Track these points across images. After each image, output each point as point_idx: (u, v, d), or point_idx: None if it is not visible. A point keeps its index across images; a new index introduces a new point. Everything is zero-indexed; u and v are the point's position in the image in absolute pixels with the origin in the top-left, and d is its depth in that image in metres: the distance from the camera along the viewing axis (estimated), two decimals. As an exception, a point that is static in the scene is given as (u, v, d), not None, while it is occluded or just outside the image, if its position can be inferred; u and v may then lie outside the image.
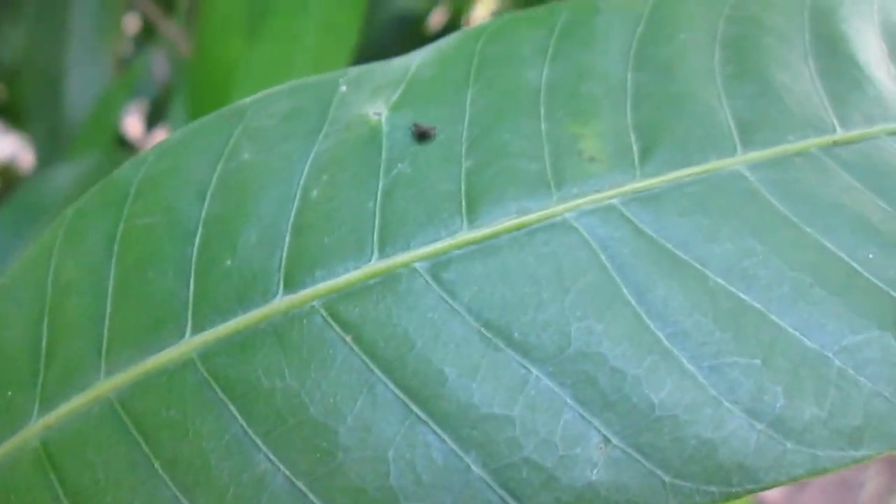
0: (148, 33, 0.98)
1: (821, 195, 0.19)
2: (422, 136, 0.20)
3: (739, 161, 0.20)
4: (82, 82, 0.88)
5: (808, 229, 0.19)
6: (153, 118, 1.01)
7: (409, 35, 1.08)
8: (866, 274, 0.18)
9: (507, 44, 0.22)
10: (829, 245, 0.19)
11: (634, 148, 0.20)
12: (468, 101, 0.21)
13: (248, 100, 0.21)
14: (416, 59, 0.22)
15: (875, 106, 0.21)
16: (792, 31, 0.23)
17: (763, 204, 0.19)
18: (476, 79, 0.21)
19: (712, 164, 0.20)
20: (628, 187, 0.19)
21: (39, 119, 0.88)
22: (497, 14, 1.08)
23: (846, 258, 0.19)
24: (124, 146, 0.97)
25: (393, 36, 1.09)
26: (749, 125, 0.21)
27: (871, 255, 0.19)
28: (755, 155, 0.20)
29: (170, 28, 0.79)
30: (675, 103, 0.21)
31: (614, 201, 0.19)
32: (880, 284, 0.18)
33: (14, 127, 0.97)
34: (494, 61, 0.22)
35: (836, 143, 0.20)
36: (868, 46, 0.23)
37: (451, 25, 1.07)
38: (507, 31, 0.22)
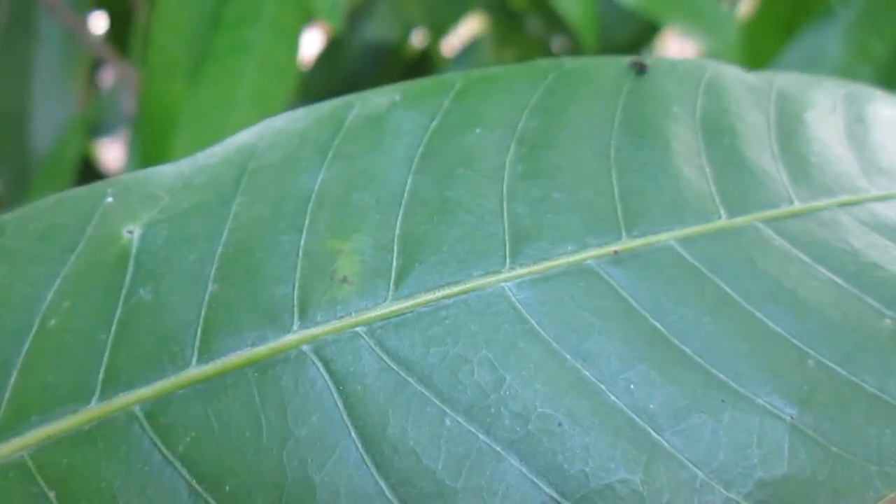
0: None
1: (586, 316, 0.18)
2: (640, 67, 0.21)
3: (505, 278, 0.18)
4: (47, 121, 0.89)
5: (568, 356, 0.18)
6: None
7: (387, 63, 1.08)
8: (624, 407, 0.17)
9: (288, 145, 0.21)
10: (588, 375, 0.17)
11: (394, 266, 0.19)
12: (231, 215, 0.20)
13: (7, 216, 0.20)
14: (191, 164, 0.21)
15: (669, 208, 0.20)
16: (599, 120, 0.22)
17: (522, 328, 0.18)
18: (246, 188, 0.20)
19: (474, 283, 0.18)
20: (376, 313, 0.18)
21: (5, 159, 0.88)
22: (474, 39, 1.07)
23: (605, 390, 0.17)
24: (95, 179, 0.97)
25: (369, 64, 1.09)
26: (525, 234, 0.19)
27: (631, 386, 0.17)
28: (523, 271, 0.19)
29: (125, 69, 0.79)
30: (448, 211, 0.19)
31: (359, 329, 0.18)
32: (637, 420, 0.17)
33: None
34: (270, 166, 0.21)
35: (617, 253, 0.19)
36: (681, 137, 0.22)
37: (429, 51, 1.06)
38: (290, 130, 0.21)
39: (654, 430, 0.17)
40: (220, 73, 0.61)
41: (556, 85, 0.23)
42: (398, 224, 0.19)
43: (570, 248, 0.19)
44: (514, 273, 0.18)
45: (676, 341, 0.18)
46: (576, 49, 1.05)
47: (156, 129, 0.63)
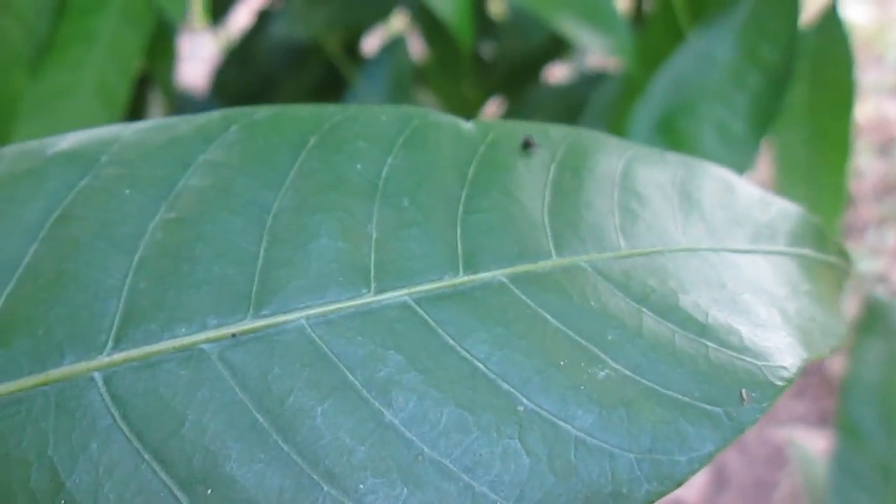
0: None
1: (179, 409, 0.17)
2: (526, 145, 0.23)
3: (98, 366, 0.17)
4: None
5: (146, 457, 0.16)
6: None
7: (306, 61, 1.06)
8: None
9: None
10: (163, 479, 0.16)
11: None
12: None
13: None
14: None
15: (311, 282, 0.19)
16: (269, 179, 0.20)
17: (104, 424, 0.16)
18: None
19: (60, 372, 0.17)
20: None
21: None
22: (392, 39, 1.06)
23: (181, 499, 0.16)
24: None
25: (287, 62, 1.06)
26: (139, 315, 0.18)
27: (208, 492, 0.16)
28: (119, 357, 0.17)
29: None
30: (60, 286, 0.18)
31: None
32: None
33: None
34: None
35: (235, 336, 0.18)
36: (351, 200, 0.20)
37: (347, 51, 1.04)
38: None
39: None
40: (62, 62, 0.59)
41: (238, 138, 0.21)
42: (0, 302, 0.18)
43: (183, 330, 0.18)
44: (109, 360, 0.17)
45: (276, 436, 0.16)
46: (505, 54, 1.04)
47: (-1, 119, 0.61)
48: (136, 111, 0.88)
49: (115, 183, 0.20)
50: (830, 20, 0.64)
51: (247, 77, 1.07)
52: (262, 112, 0.22)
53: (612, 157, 0.24)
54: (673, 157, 0.26)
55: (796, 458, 0.90)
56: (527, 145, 0.23)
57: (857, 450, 0.71)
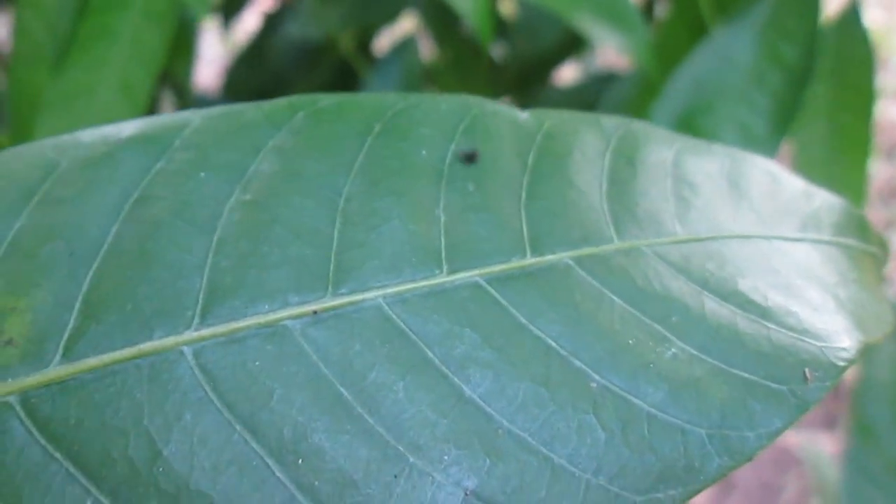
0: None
1: (267, 382, 0.17)
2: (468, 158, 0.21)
3: (187, 340, 0.17)
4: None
5: (237, 427, 0.17)
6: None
7: (317, 61, 1.06)
8: (289, 484, 0.16)
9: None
10: (255, 448, 0.16)
11: (70, 326, 0.17)
12: None
13: None
14: None
15: (386, 263, 0.19)
16: (338, 165, 0.21)
17: (194, 396, 0.17)
18: None
19: (151, 346, 0.17)
20: (36, 379, 0.17)
21: None
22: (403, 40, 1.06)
23: (271, 464, 0.16)
24: None
25: (298, 63, 1.07)
26: (222, 292, 0.18)
27: (300, 461, 0.16)
28: (207, 332, 0.18)
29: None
30: (144, 265, 0.18)
31: (11, 399, 0.16)
32: (302, 500, 0.16)
33: None
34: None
35: (316, 313, 0.18)
36: (419, 184, 0.21)
37: (359, 51, 1.05)
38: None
39: (314, 509, 0.16)
40: (84, 59, 0.59)
41: (304, 125, 0.22)
42: (87, 279, 0.18)
43: (266, 307, 0.18)
44: (197, 335, 0.17)
45: (360, 409, 0.17)
46: (516, 54, 1.04)
47: (21, 115, 0.61)
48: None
49: (189, 166, 0.20)
50: (851, 19, 0.64)
51: (259, 77, 1.08)
52: (327, 100, 0.23)
53: (662, 146, 0.25)
54: (719, 149, 0.26)
55: (808, 458, 0.90)
56: (468, 158, 0.22)
57: (871, 449, 0.71)
